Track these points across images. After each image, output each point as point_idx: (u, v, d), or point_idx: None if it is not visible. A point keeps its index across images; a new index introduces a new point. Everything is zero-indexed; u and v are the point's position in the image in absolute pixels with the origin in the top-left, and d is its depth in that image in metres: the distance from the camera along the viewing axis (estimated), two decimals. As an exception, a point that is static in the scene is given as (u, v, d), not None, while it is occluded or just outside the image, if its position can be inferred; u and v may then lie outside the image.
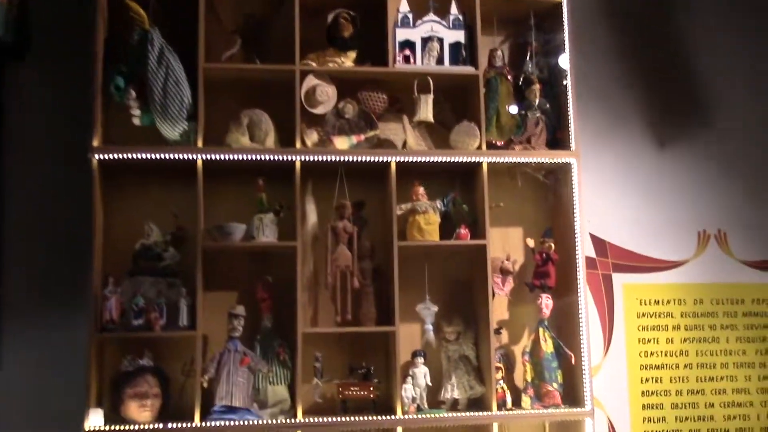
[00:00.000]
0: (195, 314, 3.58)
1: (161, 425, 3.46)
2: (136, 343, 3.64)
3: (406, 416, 3.67)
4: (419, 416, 3.69)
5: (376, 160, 3.81)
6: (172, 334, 3.62)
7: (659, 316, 4.42)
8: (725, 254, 4.52)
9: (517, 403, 3.91)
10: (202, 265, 3.60)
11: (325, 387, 3.75)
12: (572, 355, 3.90)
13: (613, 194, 4.44)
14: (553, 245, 3.99)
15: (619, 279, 4.40)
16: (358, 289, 3.76)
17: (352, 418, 3.61)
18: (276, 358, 3.74)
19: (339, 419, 3.59)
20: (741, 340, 4.45)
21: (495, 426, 3.75)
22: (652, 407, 4.33)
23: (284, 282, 3.72)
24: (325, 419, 3.58)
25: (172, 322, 3.60)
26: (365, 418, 3.61)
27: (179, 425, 3.46)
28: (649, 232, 4.46)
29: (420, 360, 3.84)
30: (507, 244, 4.14)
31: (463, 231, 3.87)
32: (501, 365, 3.91)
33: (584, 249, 3.96)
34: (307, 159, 3.75)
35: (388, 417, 3.64)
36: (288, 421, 3.57)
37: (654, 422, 4.32)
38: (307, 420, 3.57)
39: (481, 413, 3.77)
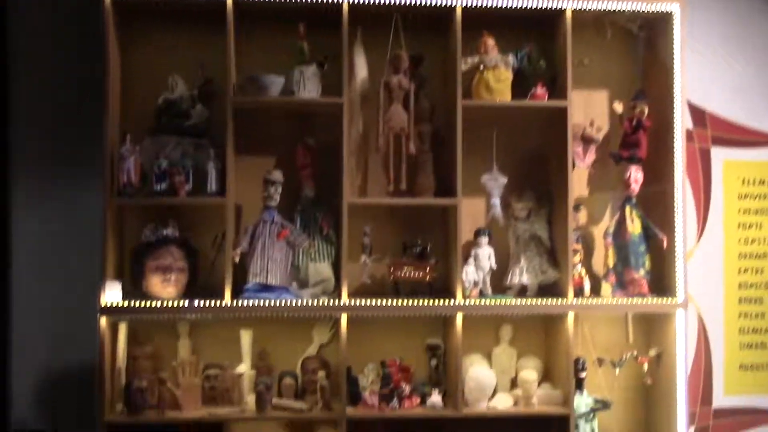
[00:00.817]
0: (225, 179, 3.12)
1: (187, 302, 3.04)
2: (159, 211, 3.24)
3: (466, 302, 3.19)
4: (482, 302, 3.21)
5: (439, 3, 3.21)
6: (200, 201, 3.20)
7: (764, 198, 3.80)
8: None
9: (596, 290, 3.40)
10: (233, 124, 3.14)
11: (375, 266, 3.32)
12: (664, 237, 3.33)
13: (717, 55, 3.76)
14: (646, 109, 3.38)
15: (719, 154, 3.77)
16: (414, 156, 3.27)
17: (405, 302, 3.15)
18: (319, 231, 3.30)
19: (389, 303, 3.14)
20: None
21: (570, 316, 3.23)
22: (750, 301, 3.76)
23: (328, 145, 3.23)
24: (373, 302, 3.14)
25: (199, 188, 3.15)
26: (420, 302, 3.15)
27: (208, 303, 3.04)
28: (757, 102, 3.81)
29: (484, 239, 3.34)
30: (590, 108, 3.56)
31: (540, 90, 3.29)
32: (579, 247, 3.37)
33: (683, 116, 3.35)
34: (357, 1, 3.17)
35: (447, 302, 3.18)
36: (331, 302, 3.12)
37: (751, 318, 3.76)
38: (353, 302, 3.12)
39: (554, 301, 3.26)
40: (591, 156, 3.46)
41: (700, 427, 3.64)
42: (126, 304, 3.03)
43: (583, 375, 3.32)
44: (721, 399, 3.71)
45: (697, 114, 3.75)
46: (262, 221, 3.18)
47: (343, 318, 3.11)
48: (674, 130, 3.35)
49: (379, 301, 3.15)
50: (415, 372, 3.30)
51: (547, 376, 3.40)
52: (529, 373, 3.29)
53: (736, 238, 3.77)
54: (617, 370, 3.45)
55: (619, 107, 3.44)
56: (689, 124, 3.72)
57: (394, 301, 3.16)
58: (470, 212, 3.37)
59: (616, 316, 3.54)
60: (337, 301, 3.13)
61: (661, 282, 3.40)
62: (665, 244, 3.33)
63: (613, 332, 3.54)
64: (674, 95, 3.35)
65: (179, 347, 3.23)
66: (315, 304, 3.13)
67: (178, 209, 3.25)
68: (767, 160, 3.80)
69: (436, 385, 3.27)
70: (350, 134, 3.24)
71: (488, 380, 3.25)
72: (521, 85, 3.34)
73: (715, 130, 3.78)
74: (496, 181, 3.35)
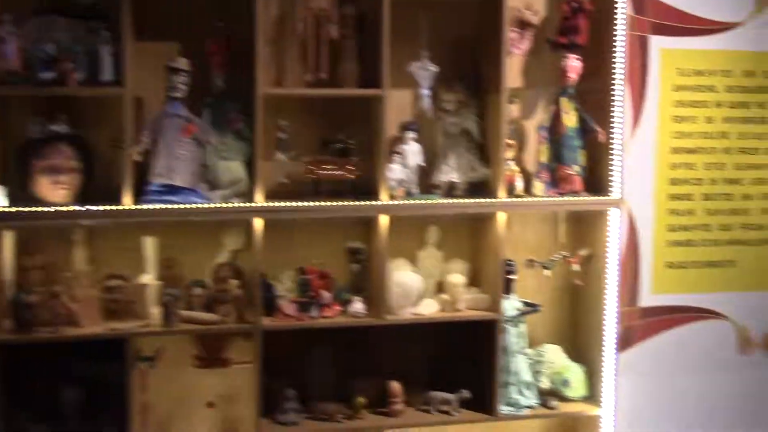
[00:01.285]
0: (122, 67, 2.74)
1: (81, 207, 2.72)
2: (47, 104, 2.85)
3: (392, 202, 2.96)
4: (408, 202, 2.99)
5: None
6: (94, 91, 2.83)
7: (700, 90, 3.63)
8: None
9: (527, 189, 3.20)
10: (130, 3, 2.73)
11: (292, 165, 3.03)
12: (601, 131, 3.14)
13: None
14: (587, -8, 3.14)
15: (656, 42, 3.56)
16: (336, 41, 2.95)
17: (326, 203, 2.91)
18: (230, 127, 2.96)
19: (309, 204, 2.90)
20: (793, 121, 3.71)
21: (500, 216, 3.05)
22: (680, 198, 3.65)
23: (241, 29, 2.86)
24: (291, 204, 2.88)
25: (93, 78, 2.77)
26: (342, 203, 2.91)
27: (105, 208, 2.73)
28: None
29: (411, 134, 3.08)
30: (527, -10, 3.26)
31: (473, -31, 2.98)
32: (512, 143, 3.16)
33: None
34: None
35: (370, 202, 2.95)
36: (245, 205, 2.85)
37: (680, 215, 3.66)
38: (268, 204, 2.85)
39: (483, 200, 3.06)
40: (527, 42, 3.20)
41: (627, 326, 3.57)
42: (12, 209, 2.69)
43: (512, 278, 3.17)
44: (647, 298, 3.64)
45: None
46: (166, 115, 2.85)
47: (258, 221, 2.85)
48: (615, 16, 3.12)
49: (296, 202, 2.90)
50: (336, 278, 3.09)
51: (474, 279, 3.24)
52: (456, 276, 3.13)
53: (670, 131, 3.62)
54: (547, 272, 3.32)
55: (557, -12, 3.18)
56: (628, 9, 3.48)
57: (313, 202, 2.92)
58: (397, 105, 3.08)
59: (547, 216, 3.38)
60: (250, 203, 2.86)
61: (595, 179, 3.23)
62: (601, 138, 3.15)
63: (544, 232, 3.39)
64: (616, -28, 3.10)
65: (74, 257, 2.92)
66: (226, 206, 2.86)
67: (70, 102, 2.87)
68: (706, 48, 3.62)
69: (358, 291, 3.07)
70: (265, 16, 2.89)
71: (413, 285, 3.06)
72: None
73: (655, 16, 3.55)
74: (426, 71, 3.06)
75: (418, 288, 3.07)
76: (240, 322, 2.90)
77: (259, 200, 2.85)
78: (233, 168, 2.96)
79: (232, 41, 2.93)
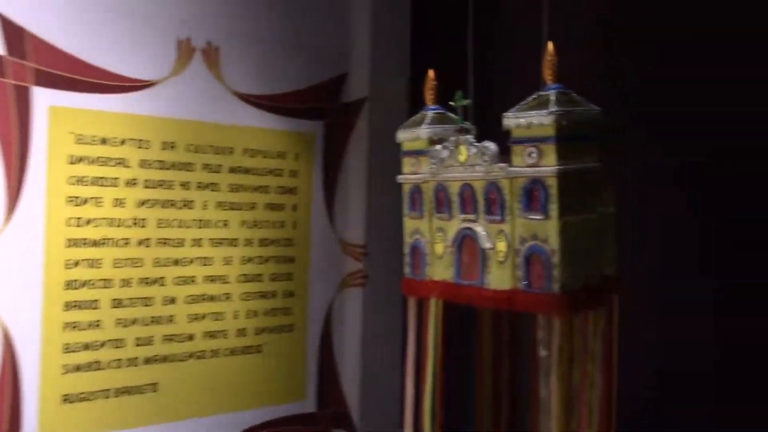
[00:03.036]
0: None
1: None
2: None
3: None
4: None
5: None
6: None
7: (107, 163, 2.77)
8: (216, 79, 3.01)
9: None
10: None
11: None
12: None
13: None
14: None
15: (43, 97, 2.62)
16: None
17: None
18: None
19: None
20: (224, 206, 3.04)
21: None
22: (81, 306, 2.72)
23: None
24: None
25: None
26: None
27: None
28: (101, 24, 2.74)
29: None
30: None
31: None
32: None
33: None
34: None
35: None
36: None
37: (81, 329, 2.72)
38: None
39: None
40: None
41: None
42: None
43: None
44: (32, 450, 2.61)
45: (14, 33, 2.54)
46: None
47: None
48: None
49: None
50: None
51: None
52: None
53: (65, 217, 2.68)
54: None
55: None
56: (1, 49, 2.49)
57: None
58: None
59: None
60: None
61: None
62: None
63: None
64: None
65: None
66: None
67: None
68: (114, 111, 2.78)
69: None
70: None
71: None
72: None
73: (39, 62, 2.60)
74: None
75: None
76: None
77: None
78: None
79: None
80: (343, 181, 3.31)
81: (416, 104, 2.21)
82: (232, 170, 3.03)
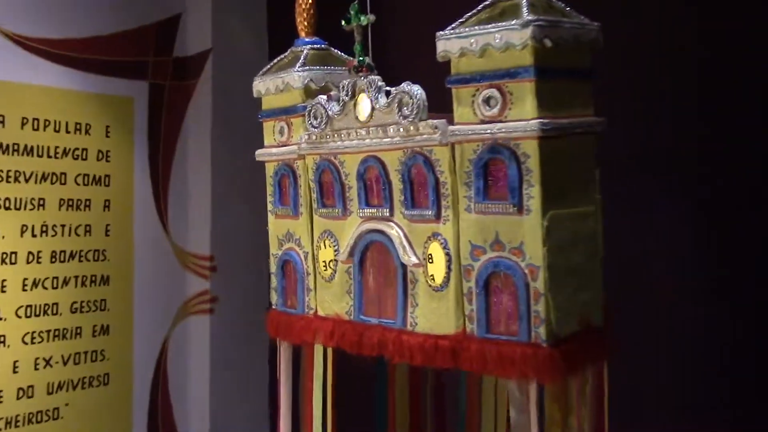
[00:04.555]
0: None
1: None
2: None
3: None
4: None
5: None
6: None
7: None
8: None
9: None
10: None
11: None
12: None
13: None
14: None
15: None
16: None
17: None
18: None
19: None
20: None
21: None
22: None
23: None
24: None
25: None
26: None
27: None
28: None
29: None
30: None
31: None
32: None
33: None
34: None
35: None
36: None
37: None
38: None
39: None
40: None
41: None
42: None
43: None
44: None
45: None
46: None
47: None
48: None
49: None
50: None
51: None
52: None
53: None
54: None
55: None
56: None
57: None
58: None
59: None
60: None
61: None
62: None
63: None
64: None
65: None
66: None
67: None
68: None
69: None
70: None
71: None
72: None
73: None
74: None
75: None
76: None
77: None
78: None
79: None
80: (180, 166, 2.53)
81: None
82: (4, 150, 2.10)
